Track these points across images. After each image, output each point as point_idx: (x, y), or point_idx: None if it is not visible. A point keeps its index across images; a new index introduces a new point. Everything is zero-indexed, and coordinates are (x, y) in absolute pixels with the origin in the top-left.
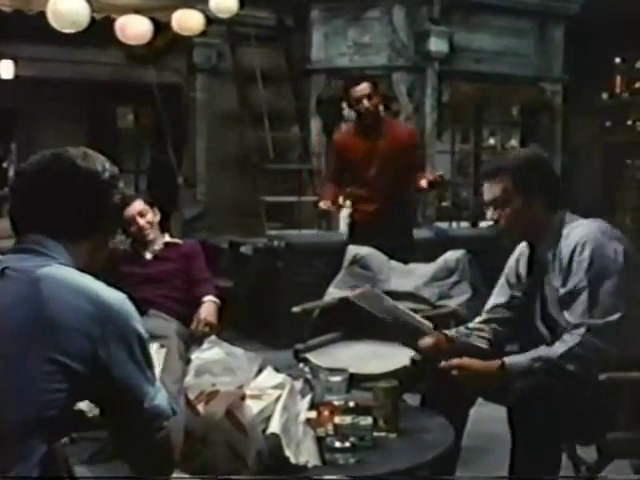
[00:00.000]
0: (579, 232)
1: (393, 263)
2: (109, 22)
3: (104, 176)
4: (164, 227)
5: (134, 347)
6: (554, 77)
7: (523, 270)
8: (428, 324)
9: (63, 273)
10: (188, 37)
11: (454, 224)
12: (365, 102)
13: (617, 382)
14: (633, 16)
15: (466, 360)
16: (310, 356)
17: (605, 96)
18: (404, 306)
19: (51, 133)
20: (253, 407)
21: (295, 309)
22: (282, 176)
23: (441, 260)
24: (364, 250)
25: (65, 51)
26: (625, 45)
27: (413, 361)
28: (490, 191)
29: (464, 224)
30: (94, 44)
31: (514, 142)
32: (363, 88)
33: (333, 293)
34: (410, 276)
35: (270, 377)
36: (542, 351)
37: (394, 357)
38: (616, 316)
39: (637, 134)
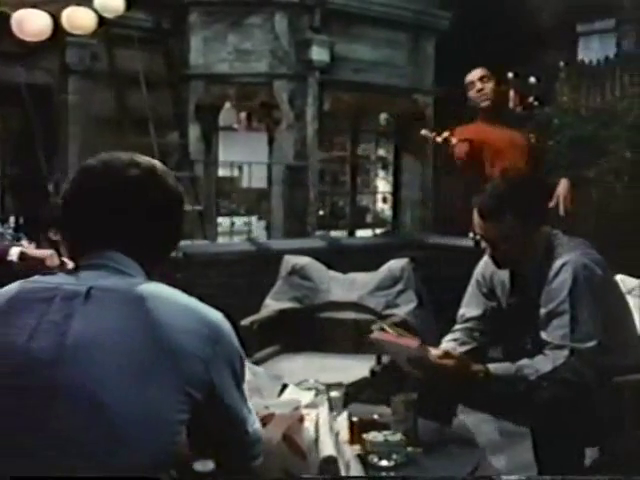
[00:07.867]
0: (565, 252)
1: (332, 273)
2: None
3: (179, 190)
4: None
5: (237, 369)
6: (426, 89)
7: (501, 284)
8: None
9: (165, 291)
10: (61, 36)
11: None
12: (478, 84)
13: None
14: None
15: (453, 361)
16: None
17: None
18: (347, 316)
19: None
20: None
21: (244, 322)
22: None
23: (385, 269)
24: (303, 260)
25: None
26: (520, 60)
27: (373, 372)
28: (491, 229)
29: (341, 232)
30: None
31: (382, 152)
32: (476, 73)
33: (271, 305)
34: (352, 286)
35: (296, 395)
36: (526, 362)
37: (348, 369)
38: (594, 342)
39: None
